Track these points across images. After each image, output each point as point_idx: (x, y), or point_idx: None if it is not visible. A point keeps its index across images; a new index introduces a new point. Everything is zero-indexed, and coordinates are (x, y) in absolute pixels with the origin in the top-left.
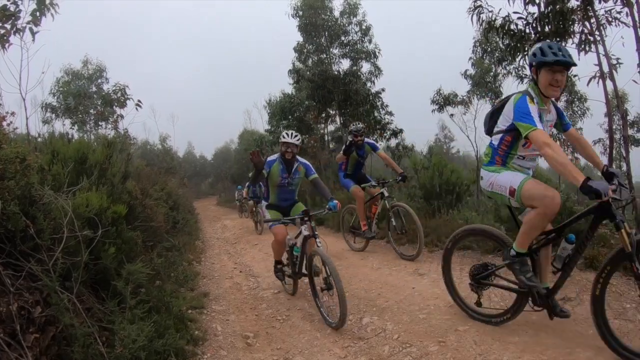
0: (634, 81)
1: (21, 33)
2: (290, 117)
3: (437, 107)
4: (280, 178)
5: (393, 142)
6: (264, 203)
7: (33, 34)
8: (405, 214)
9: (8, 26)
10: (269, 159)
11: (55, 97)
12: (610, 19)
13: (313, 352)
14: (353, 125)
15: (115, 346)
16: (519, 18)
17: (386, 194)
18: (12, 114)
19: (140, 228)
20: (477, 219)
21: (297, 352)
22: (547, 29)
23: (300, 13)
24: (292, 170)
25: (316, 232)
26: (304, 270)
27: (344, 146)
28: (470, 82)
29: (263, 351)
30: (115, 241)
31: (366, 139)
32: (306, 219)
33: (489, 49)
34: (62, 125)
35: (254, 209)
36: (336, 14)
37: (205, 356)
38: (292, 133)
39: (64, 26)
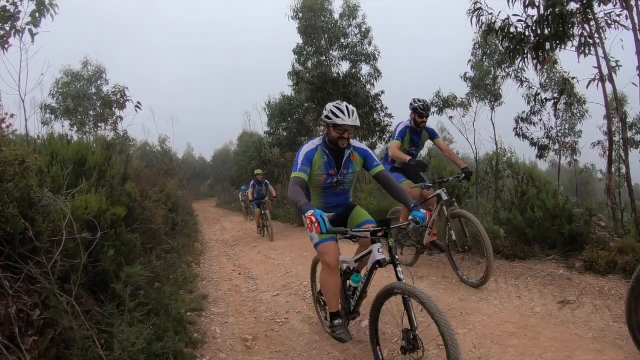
0: (634, 84)
1: (20, 34)
2: (289, 119)
3: (436, 109)
4: (325, 176)
5: None
6: None
7: (32, 35)
8: (469, 224)
9: (7, 27)
10: (306, 148)
11: (55, 99)
12: (609, 21)
13: (312, 355)
14: (418, 101)
15: (114, 349)
16: (519, 21)
17: (444, 197)
18: (12, 115)
19: (140, 230)
20: None
21: (297, 355)
22: (546, 31)
23: (300, 15)
24: (343, 163)
25: (396, 256)
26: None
27: (397, 129)
28: (470, 84)
29: (262, 354)
30: (115, 243)
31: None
32: (381, 234)
33: (489, 51)
34: (62, 127)
35: (262, 212)
36: (336, 16)
37: (205, 359)
38: (347, 108)
39: (63, 28)
